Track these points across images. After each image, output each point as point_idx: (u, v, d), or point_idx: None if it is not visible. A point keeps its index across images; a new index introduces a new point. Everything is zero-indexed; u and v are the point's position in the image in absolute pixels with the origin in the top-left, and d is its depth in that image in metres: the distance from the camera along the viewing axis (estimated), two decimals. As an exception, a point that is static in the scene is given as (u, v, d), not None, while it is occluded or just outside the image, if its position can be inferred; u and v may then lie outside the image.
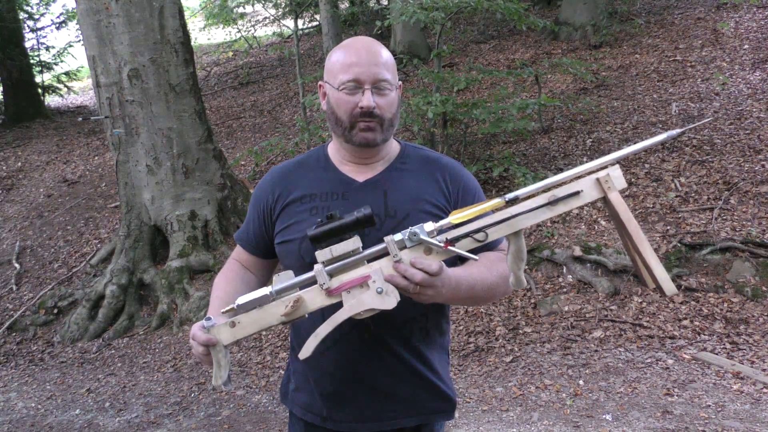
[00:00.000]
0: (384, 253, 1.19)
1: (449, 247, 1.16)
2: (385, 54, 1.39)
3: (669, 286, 1.13)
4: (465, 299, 1.31)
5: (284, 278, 1.22)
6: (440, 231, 1.19)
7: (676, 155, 5.49)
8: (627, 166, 5.52)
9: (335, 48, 1.43)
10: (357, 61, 1.34)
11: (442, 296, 1.22)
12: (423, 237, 1.17)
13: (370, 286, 1.17)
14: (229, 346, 1.24)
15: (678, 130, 1.18)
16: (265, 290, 1.21)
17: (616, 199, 1.13)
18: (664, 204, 4.94)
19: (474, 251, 1.37)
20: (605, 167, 1.16)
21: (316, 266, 1.19)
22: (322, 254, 1.19)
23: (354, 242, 1.18)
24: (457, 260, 1.34)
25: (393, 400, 1.42)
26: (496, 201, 1.17)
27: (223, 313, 1.25)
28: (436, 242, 1.16)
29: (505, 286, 1.36)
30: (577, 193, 1.14)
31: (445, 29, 6.50)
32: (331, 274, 1.19)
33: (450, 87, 6.49)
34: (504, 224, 1.16)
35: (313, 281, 1.20)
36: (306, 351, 1.20)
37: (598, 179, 1.13)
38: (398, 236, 1.18)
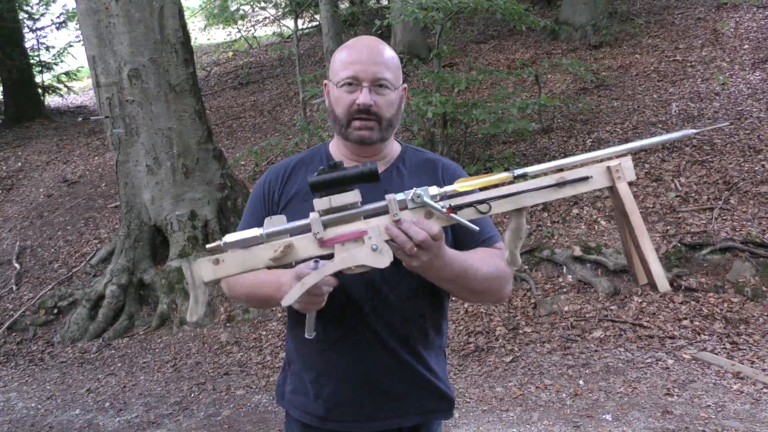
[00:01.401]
0: (383, 212, 1.16)
1: (451, 214, 1.13)
2: (388, 54, 1.39)
3: (663, 283, 1.12)
4: (455, 282, 1.28)
5: (277, 222, 1.18)
6: (443, 197, 1.16)
7: (676, 155, 5.49)
8: (627, 166, 5.52)
9: (341, 47, 1.44)
10: (357, 59, 1.36)
11: (432, 267, 1.19)
12: (426, 200, 1.13)
13: (365, 241, 1.13)
14: (209, 283, 1.17)
15: (693, 131, 1.17)
16: (255, 231, 1.16)
17: (623, 189, 1.13)
18: (664, 204, 4.94)
19: (474, 244, 1.35)
20: (617, 157, 1.15)
21: (312, 214, 1.15)
22: (320, 203, 1.15)
23: (354, 195, 1.14)
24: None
25: (391, 400, 1.42)
26: (504, 175, 1.15)
27: (208, 248, 1.19)
28: (439, 207, 1.13)
29: (499, 284, 1.34)
30: (586, 179, 1.12)
31: (444, 29, 6.50)
32: (326, 225, 1.15)
33: (450, 87, 6.49)
34: (508, 199, 1.13)
35: (305, 229, 1.16)
36: (290, 298, 1.15)
37: (609, 168, 1.13)
38: (400, 196, 1.15)
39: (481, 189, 1.16)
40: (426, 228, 1.12)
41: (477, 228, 1.16)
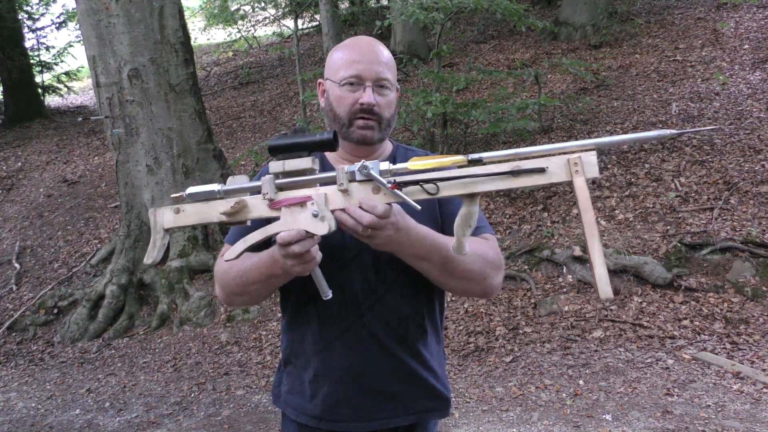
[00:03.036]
0: (335, 181, 1.17)
1: (396, 190, 1.12)
2: (387, 54, 1.40)
3: (605, 289, 1.04)
4: (429, 261, 1.26)
5: (238, 181, 1.22)
6: (395, 174, 1.15)
7: (676, 155, 5.50)
8: (627, 165, 5.52)
9: (337, 46, 1.44)
10: (359, 58, 1.36)
11: (399, 243, 1.19)
12: (372, 172, 1.13)
13: (308, 207, 1.15)
14: (169, 230, 1.22)
15: (671, 131, 1.08)
16: (215, 186, 1.21)
17: (579, 184, 1.06)
18: (664, 204, 4.94)
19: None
20: (583, 151, 1.09)
21: (266, 176, 1.17)
22: (275, 166, 1.17)
23: (308, 161, 1.16)
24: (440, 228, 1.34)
25: (388, 400, 1.41)
26: (459, 158, 1.13)
27: (173, 198, 1.24)
28: (384, 181, 1.12)
29: (482, 272, 1.32)
30: (542, 170, 1.07)
31: (444, 29, 6.50)
32: (281, 188, 1.18)
33: (450, 87, 6.49)
34: (459, 182, 1.10)
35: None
36: (233, 252, 1.18)
37: (568, 160, 1.07)
38: (351, 167, 1.15)
39: (435, 170, 1.14)
40: (370, 209, 1.12)
41: (419, 207, 1.13)
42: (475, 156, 1.11)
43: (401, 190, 1.13)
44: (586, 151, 1.08)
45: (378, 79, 1.36)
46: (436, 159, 1.14)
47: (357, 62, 1.35)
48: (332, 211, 1.15)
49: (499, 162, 1.10)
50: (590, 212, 1.07)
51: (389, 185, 1.12)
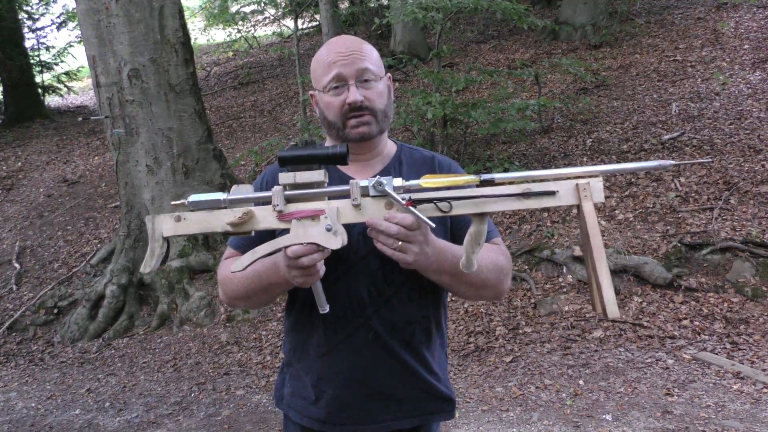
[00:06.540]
0: (347, 195, 1.16)
1: (410, 207, 1.13)
2: (366, 47, 1.39)
3: (613, 309, 1.09)
4: (453, 274, 1.26)
5: (243, 190, 1.20)
6: (407, 190, 1.16)
7: (677, 155, 5.50)
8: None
9: (317, 52, 1.42)
10: (336, 59, 1.35)
11: (428, 257, 1.19)
12: (387, 189, 1.14)
13: (321, 220, 1.14)
14: (168, 238, 1.20)
15: (672, 162, 1.15)
16: (219, 195, 1.19)
17: (588, 209, 1.11)
18: (664, 204, 4.94)
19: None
20: (589, 177, 1.13)
21: (275, 187, 1.16)
22: (284, 177, 1.16)
23: (319, 174, 1.15)
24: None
25: (393, 402, 1.41)
26: (471, 177, 1.15)
27: (173, 205, 1.22)
28: (399, 198, 1.13)
29: (497, 277, 1.34)
30: (552, 193, 1.11)
31: (444, 29, 6.50)
32: (290, 200, 1.16)
33: (449, 87, 6.49)
34: (470, 201, 1.13)
35: (269, 201, 1.17)
36: (240, 264, 1.16)
37: (577, 185, 1.11)
38: (364, 182, 1.15)
39: (447, 188, 1.16)
40: (399, 221, 1.13)
41: (433, 225, 1.15)
42: (487, 176, 1.14)
43: (415, 207, 1.13)
44: (593, 177, 1.12)
45: (359, 73, 1.34)
46: (449, 178, 1.16)
47: (334, 63, 1.34)
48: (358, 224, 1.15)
49: (511, 183, 1.13)
50: (599, 236, 1.11)
51: (404, 202, 1.13)
